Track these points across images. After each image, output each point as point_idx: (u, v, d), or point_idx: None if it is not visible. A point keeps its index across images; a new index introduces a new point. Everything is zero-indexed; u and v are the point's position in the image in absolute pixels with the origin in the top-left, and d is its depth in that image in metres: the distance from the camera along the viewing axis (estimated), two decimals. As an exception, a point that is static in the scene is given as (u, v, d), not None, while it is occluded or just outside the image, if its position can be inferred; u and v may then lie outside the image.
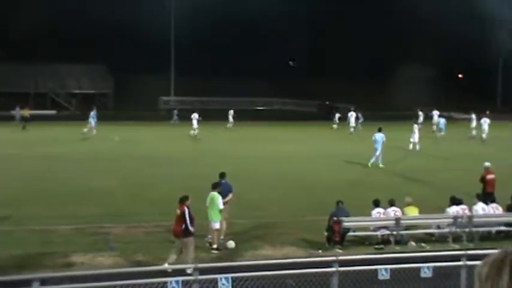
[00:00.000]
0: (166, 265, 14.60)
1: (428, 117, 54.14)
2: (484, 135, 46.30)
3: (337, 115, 56.35)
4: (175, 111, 61.17)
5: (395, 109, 72.40)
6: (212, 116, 54.47)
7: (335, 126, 54.61)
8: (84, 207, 22.05)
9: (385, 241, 18.21)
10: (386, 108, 72.70)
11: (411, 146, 38.43)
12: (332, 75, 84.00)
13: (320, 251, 17.13)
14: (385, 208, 18.67)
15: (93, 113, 47.29)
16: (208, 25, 78.22)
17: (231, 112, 54.93)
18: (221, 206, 17.43)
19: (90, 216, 20.60)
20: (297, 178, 29.10)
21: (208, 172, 22.88)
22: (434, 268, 10.74)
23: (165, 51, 77.85)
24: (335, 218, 17.72)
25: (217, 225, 17.34)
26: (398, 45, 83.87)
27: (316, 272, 10.59)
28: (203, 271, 10.66)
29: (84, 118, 48.17)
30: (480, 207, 19.27)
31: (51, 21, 74.04)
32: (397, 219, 18.07)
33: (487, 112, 50.48)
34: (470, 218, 18.51)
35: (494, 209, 19.46)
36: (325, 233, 17.94)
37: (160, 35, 76.40)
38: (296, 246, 17.64)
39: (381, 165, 32.54)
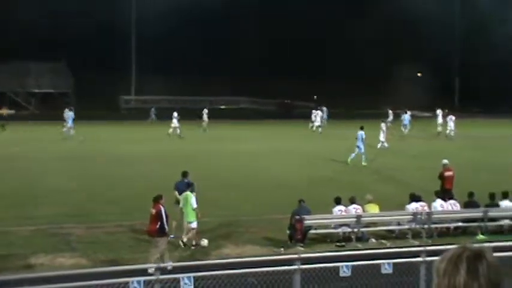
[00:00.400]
0: (148, 264, 14.51)
1: (398, 116, 55.00)
2: (450, 133, 47.16)
3: (317, 113, 55.62)
4: (153, 110, 60.88)
5: (356, 108, 73.18)
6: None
7: (314, 125, 53.97)
8: (45, 208, 21.79)
9: (346, 238, 18.39)
10: (350, 107, 73.43)
11: (379, 144, 38.85)
12: (293, 74, 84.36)
13: (282, 249, 17.20)
14: (346, 206, 18.85)
15: (70, 113, 47.10)
16: (170, 24, 77.69)
17: (206, 111, 54.90)
18: (195, 205, 17.50)
19: (51, 217, 20.35)
20: (260, 177, 29.19)
21: (172, 171, 22.79)
22: (395, 264, 10.86)
23: (127, 49, 77.18)
24: (297, 216, 17.82)
25: (193, 225, 17.41)
26: (359, 44, 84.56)
27: (279, 270, 10.63)
28: (165, 271, 10.62)
29: (44, 118, 47.53)
30: (439, 204, 19.60)
31: (9, 20, 72.71)
32: (358, 217, 18.27)
33: (446, 110, 51.48)
34: (429, 214, 18.81)
35: (452, 206, 19.81)
36: (287, 231, 18.04)
37: (122, 32, 75.74)
38: (258, 245, 17.69)
39: (364, 163, 32.79)
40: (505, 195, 20.03)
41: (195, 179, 19.57)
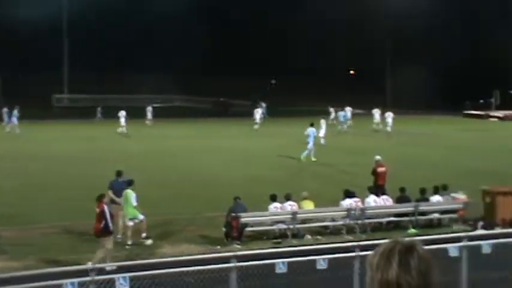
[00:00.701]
0: (89, 264, 14.26)
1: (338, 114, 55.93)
2: (389, 129, 48.17)
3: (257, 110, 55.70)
4: (99, 109, 59.87)
5: (289, 105, 73.87)
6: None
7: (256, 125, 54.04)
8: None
9: (282, 235, 18.52)
10: (285, 105, 74.06)
11: (322, 140, 39.32)
12: (227, 72, 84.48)
13: (218, 247, 17.20)
14: (281, 203, 18.98)
15: (15, 112, 46.59)
16: (103, 22, 76.58)
17: (150, 109, 54.36)
18: (135, 203, 17.44)
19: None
20: (196, 175, 29.06)
21: (107, 171, 22.45)
22: (329, 260, 11.02)
23: (59, 47, 75.52)
24: (233, 214, 17.85)
25: (141, 217, 17.40)
26: (293, 42, 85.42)
27: (215, 268, 10.62)
28: (100, 271, 10.45)
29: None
30: (372, 200, 19.98)
31: None
32: (294, 214, 18.43)
33: (379, 108, 52.73)
34: (362, 210, 19.16)
35: (385, 201, 20.23)
36: (224, 229, 18.05)
37: (53, 31, 74.07)
38: (194, 243, 17.64)
39: (313, 159, 33.27)
40: (435, 190, 20.61)
41: (130, 177, 19.32)
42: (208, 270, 10.66)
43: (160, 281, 10.59)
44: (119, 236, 17.69)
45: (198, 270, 10.91)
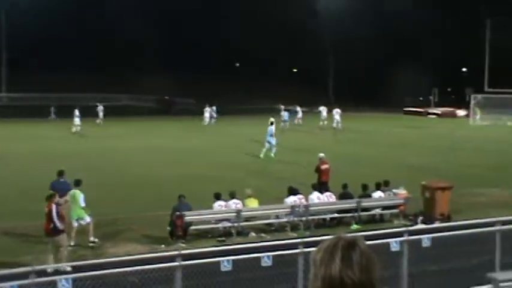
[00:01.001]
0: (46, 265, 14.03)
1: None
2: (338, 125, 48.83)
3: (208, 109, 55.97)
4: (53, 109, 58.66)
5: (235, 104, 73.88)
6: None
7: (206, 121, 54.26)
8: None
9: (226, 233, 18.53)
10: (232, 104, 74.08)
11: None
12: (170, 70, 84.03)
13: (163, 246, 17.10)
14: (226, 201, 18.99)
15: None
16: (42, 21, 75.00)
17: (101, 108, 53.61)
18: (83, 204, 17.11)
19: None
20: (139, 174, 28.79)
21: (48, 170, 22.02)
22: (274, 257, 11.09)
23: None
24: (177, 213, 17.77)
25: (88, 220, 17.05)
26: (237, 42, 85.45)
27: (160, 268, 10.56)
28: (41, 273, 10.26)
29: None
30: (315, 196, 20.20)
31: None
32: (238, 211, 18.47)
33: (326, 105, 53.56)
34: (306, 207, 19.34)
35: (328, 198, 20.47)
36: (168, 228, 17.94)
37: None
38: (139, 243, 17.47)
39: (272, 155, 33.99)
40: (377, 187, 20.98)
41: (73, 177, 19.01)
42: (153, 269, 10.59)
43: (104, 282, 10.46)
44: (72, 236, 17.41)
45: (143, 270, 10.83)
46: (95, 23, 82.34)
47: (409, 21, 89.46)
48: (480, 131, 51.82)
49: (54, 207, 15.22)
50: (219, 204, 18.79)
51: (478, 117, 60.77)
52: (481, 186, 26.06)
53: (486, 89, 61.32)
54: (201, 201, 19.56)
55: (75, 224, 17.24)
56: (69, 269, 11.77)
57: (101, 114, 53.27)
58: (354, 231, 17.82)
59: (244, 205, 19.15)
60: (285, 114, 52.19)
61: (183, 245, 17.07)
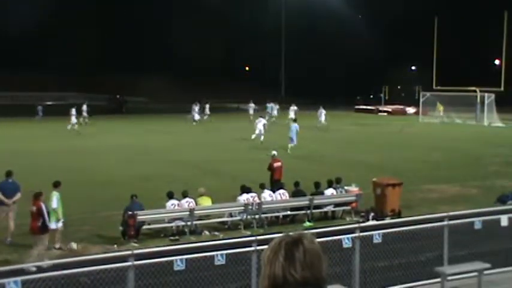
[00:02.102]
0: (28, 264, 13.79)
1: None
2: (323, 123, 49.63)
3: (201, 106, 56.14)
4: (40, 108, 57.55)
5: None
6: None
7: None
8: None
9: (179, 232, 18.45)
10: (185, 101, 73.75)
11: (254, 136, 39.90)
12: (122, 69, 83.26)
13: (115, 246, 16.93)
14: (179, 200, 18.91)
15: None
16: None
17: (84, 108, 53.03)
18: (55, 205, 16.54)
19: None
20: (89, 173, 28.41)
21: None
22: (227, 255, 11.10)
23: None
24: (129, 212, 17.61)
25: (52, 226, 16.44)
26: (189, 41, 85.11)
27: (112, 268, 10.45)
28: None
29: None
30: (268, 194, 20.27)
31: None
32: (191, 210, 18.40)
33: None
34: (259, 205, 19.40)
35: (281, 195, 20.56)
36: (120, 228, 17.77)
37: None
38: (91, 243, 17.24)
39: (288, 151, 34.25)
40: (329, 184, 21.17)
41: (22, 177, 18.68)
42: (105, 269, 10.48)
43: (54, 283, 10.30)
44: (9, 239, 17.05)
45: (95, 270, 10.71)
46: (45, 21, 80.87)
47: (361, 21, 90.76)
48: (429, 128, 52.79)
49: (43, 205, 15.35)
50: (171, 203, 18.70)
51: (441, 114, 61.26)
52: (430, 182, 26.59)
53: (434, 86, 62.51)
54: (153, 201, 19.43)
55: (53, 226, 16.51)
56: (34, 269, 11.84)
57: (84, 113, 52.96)
58: (307, 229, 17.97)
59: (197, 204, 19.11)
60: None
61: (136, 244, 16.94)
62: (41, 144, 38.98)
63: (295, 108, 52.76)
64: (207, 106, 57.71)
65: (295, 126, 36.10)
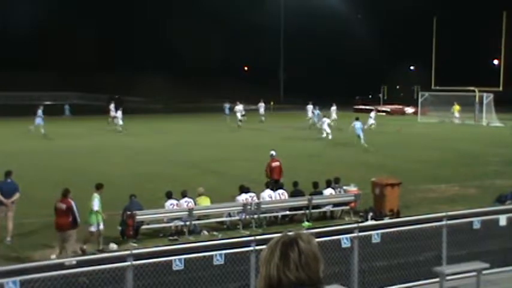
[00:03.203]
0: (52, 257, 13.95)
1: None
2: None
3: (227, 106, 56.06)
4: (67, 107, 58.15)
5: (182, 101, 73.57)
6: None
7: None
8: None
9: (178, 232, 18.45)
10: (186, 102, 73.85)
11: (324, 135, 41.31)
12: (120, 69, 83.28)
13: (115, 246, 16.92)
14: (178, 199, 18.90)
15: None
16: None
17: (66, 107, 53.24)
18: (95, 208, 16.74)
19: None
20: (88, 173, 28.35)
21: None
22: (226, 255, 11.11)
23: None
24: (128, 212, 17.61)
25: (92, 228, 16.68)
26: (187, 41, 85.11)
27: (111, 268, 10.45)
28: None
29: None
30: (267, 194, 20.27)
31: None
32: (190, 210, 18.40)
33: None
34: (258, 204, 19.40)
35: (280, 195, 20.56)
36: (119, 228, 17.77)
37: None
38: (90, 243, 17.23)
39: (365, 145, 37.07)
40: (328, 184, 21.17)
41: (21, 177, 18.66)
42: (104, 269, 10.48)
43: (53, 284, 10.30)
44: (8, 239, 17.06)
45: (94, 270, 10.71)
46: (39, 21, 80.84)
47: (357, 20, 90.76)
48: (428, 128, 52.80)
49: (73, 202, 15.85)
50: (170, 203, 18.70)
51: (457, 115, 60.16)
52: (429, 182, 26.60)
53: (433, 86, 62.50)
54: (152, 201, 19.43)
55: (93, 228, 16.84)
56: (74, 262, 11.85)
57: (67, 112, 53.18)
58: (306, 229, 17.97)
59: (196, 204, 19.10)
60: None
61: (135, 244, 16.94)
62: (39, 144, 38.94)
63: (335, 108, 52.62)
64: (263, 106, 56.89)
65: (359, 123, 38.52)
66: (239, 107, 51.37)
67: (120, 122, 46.16)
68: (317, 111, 48.72)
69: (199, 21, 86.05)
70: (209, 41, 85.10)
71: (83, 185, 25.50)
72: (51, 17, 78.84)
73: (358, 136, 37.97)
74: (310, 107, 53.29)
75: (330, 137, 41.84)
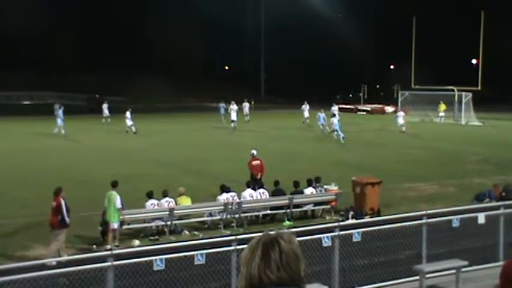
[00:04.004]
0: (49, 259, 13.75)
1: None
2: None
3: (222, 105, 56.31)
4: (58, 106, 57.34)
5: (164, 101, 73.30)
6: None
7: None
8: None
9: (159, 232, 18.41)
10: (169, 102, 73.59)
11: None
12: (100, 69, 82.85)
13: (95, 246, 16.85)
14: (158, 199, 18.86)
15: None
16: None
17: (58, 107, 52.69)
18: (119, 205, 17.03)
19: None
20: (67, 174, 28.18)
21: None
22: (207, 255, 11.10)
23: None
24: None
25: (115, 225, 16.96)
26: (170, 42, 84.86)
27: (91, 268, 10.40)
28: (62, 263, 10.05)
29: None
30: (248, 194, 20.28)
31: None
32: (171, 210, 18.36)
33: (252, 102, 53.70)
34: (239, 204, 19.40)
35: (261, 194, 20.60)
36: (99, 228, 17.68)
37: None
38: (70, 243, 17.13)
39: (342, 142, 39.11)
40: (309, 183, 21.23)
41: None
42: (84, 270, 10.42)
43: (32, 285, 10.22)
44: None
45: (74, 271, 10.65)
46: (20, 21, 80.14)
47: (337, 20, 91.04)
48: (408, 127, 53.05)
49: (63, 201, 15.94)
50: (151, 203, 18.65)
51: (442, 114, 59.98)
52: (409, 181, 26.78)
53: (413, 85, 62.91)
54: (133, 201, 19.35)
55: (115, 226, 17.09)
56: (54, 263, 12.02)
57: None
58: (287, 228, 18.02)
59: (176, 203, 19.07)
60: (222, 110, 52.78)
61: (115, 245, 16.85)
62: (16, 145, 38.64)
63: (308, 106, 52.80)
64: (248, 105, 56.81)
65: (335, 119, 41.01)
66: (233, 107, 51.46)
67: (131, 123, 45.65)
68: (322, 115, 48.46)
69: (180, 21, 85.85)
70: (190, 41, 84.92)
71: (61, 184, 25.44)
72: (32, 17, 78.16)
73: (336, 131, 39.77)
74: (305, 106, 53.29)
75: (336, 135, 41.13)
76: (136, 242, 17.20)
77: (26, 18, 77.27)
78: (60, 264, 11.70)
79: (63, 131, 43.19)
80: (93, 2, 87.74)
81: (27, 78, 77.02)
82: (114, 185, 17.69)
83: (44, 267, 10.95)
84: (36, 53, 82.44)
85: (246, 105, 55.96)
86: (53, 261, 12.46)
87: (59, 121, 43.78)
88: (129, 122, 45.85)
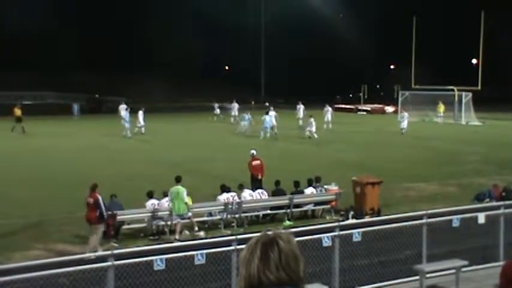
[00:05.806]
0: (87, 253, 13.89)
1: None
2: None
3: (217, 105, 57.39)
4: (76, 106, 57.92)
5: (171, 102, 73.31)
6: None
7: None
8: None
9: (159, 232, 18.41)
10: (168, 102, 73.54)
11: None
12: (100, 68, 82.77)
13: (202, 233, 17.18)
14: (159, 199, 18.86)
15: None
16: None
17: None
18: (186, 199, 17.80)
19: None
20: (68, 173, 28.21)
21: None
22: (207, 254, 11.10)
23: None
24: (109, 212, 17.51)
25: (189, 214, 18.01)
26: (168, 42, 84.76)
27: (92, 268, 10.39)
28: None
29: None
30: (248, 194, 20.29)
31: None
32: (171, 210, 18.35)
33: (253, 102, 53.70)
34: (239, 204, 19.41)
35: (261, 194, 20.60)
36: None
37: None
38: (70, 243, 17.14)
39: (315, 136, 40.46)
40: (309, 183, 21.24)
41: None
42: (85, 270, 10.42)
43: (33, 284, 10.22)
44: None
45: (74, 271, 10.64)
46: (22, 22, 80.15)
47: (338, 20, 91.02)
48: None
49: (99, 197, 16.45)
50: (151, 203, 18.66)
51: (442, 114, 60.11)
52: (409, 181, 26.78)
53: (413, 85, 62.90)
54: (134, 200, 19.36)
55: (178, 219, 17.81)
56: (93, 257, 12.22)
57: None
58: (287, 228, 18.02)
59: (177, 203, 19.04)
60: (217, 110, 52.83)
61: (115, 244, 16.86)
62: (19, 144, 38.65)
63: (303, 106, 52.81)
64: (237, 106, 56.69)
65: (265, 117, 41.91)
66: (235, 105, 51.61)
67: (142, 123, 45.59)
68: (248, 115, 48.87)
69: (180, 21, 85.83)
70: (190, 41, 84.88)
71: (62, 184, 25.47)
72: (32, 17, 78.10)
73: (266, 128, 42.14)
74: (300, 106, 53.27)
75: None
76: (201, 234, 18.01)
77: (26, 18, 77.25)
78: (60, 264, 11.69)
79: (143, 130, 44.76)
80: (93, 2, 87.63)
81: (27, 78, 76.88)
82: (179, 180, 18.46)
83: (45, 266, 10.94)
84: (36, 53, 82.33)
85: (235, 106, 55.95)
86: (92, 255, 12.59)
87: (127, 125, 43.45)
88: (141, 122, 45.78)
